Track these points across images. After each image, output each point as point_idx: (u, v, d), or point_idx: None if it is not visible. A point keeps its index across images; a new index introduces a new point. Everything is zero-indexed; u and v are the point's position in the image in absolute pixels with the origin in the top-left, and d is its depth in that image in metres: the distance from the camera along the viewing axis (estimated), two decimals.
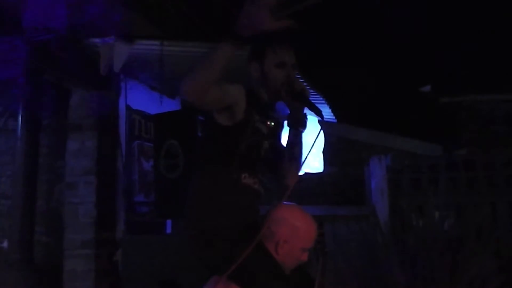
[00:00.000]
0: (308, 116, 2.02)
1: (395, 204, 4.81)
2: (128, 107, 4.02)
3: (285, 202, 1.91)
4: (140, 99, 4.18)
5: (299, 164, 2.02)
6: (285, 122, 2.05)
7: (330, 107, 4.41)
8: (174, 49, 3.46)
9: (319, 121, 4.70)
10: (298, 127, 1.98)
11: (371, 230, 4.30)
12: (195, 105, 1.69)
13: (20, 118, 3.37)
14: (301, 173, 2.12)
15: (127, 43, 3.34)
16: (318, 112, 1.85)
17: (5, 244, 3.54)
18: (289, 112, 2.00)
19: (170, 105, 4.42)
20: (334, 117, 4.80)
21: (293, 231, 1.88)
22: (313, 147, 1.87)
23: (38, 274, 3.53)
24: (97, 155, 3.72)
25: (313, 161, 4.65)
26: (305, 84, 1.97)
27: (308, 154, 1.96)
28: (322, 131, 1.88)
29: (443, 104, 6.63)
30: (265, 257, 1.84)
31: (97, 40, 3.41)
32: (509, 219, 4.88)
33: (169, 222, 4.45)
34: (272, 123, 2.00)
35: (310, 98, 1.92)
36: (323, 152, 4.86)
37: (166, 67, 3.63)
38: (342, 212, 4.81)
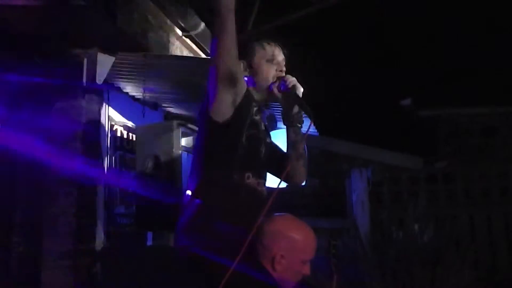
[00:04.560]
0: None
1: (376, 217, 4.86)
2: (110, 118, 4.01)
3: (277, 214, 1.78)
4: (123, 110, 4.17)
5: (306, 161, 1.95)
6: (281, 121, 1.97)
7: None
8: (156, 61, 3.48)
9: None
10: (294, 123, 1.91)
11: (352, 243, 4.33)
12: (223, 68, 1.67)
13: None
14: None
15: (110, 55, 3.35)
16: (307, 111, 1.77)
17: None
18: (282, 109, 1.93)
19: (153, 117, 4.42)
20: (316, 130, 4.84)
21: (290, 244, 1.72)
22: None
23: (14, 285, 3.47)
24: (78, 166, 3.69)
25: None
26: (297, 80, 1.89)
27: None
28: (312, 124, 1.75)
29: (422, 117, 6.74)
30: (261, 279, 1.68)
31: (80, 51, 3.41)
32: (486, 231, 4.97)
33: (150, 234, 4.42)
34: (265, 123, 1.94)
35: (301, 95, 1.85)
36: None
37: (149, 79, 3.65)
38: (323, 225, 4.84)
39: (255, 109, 1.84)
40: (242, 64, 1.88)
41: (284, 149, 2.02)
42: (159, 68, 3.58)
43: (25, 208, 3.77)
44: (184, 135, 3.75)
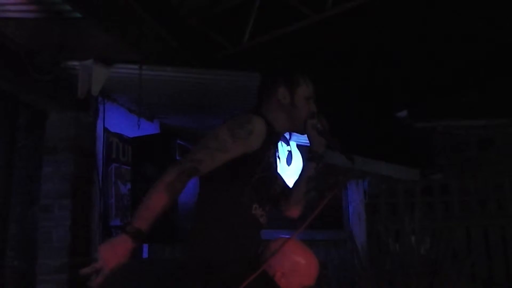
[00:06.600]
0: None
1: (372, 229, 4.85)
2: (105, 130, 4.00)
3: (283, 236, 1.84)
4: (118, 121, 4.17)
5: (312, 198, 2.01)
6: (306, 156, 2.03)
7: None
8: (152, 73, 3.48)
9: (297, 145, 4.74)
10: (320, 161, 1.96)
11: (349, 255, 4.32)
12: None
13: None
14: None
15: (106, 67, 3.35)
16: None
17: None
18: (311, 145, 1.97)
19: (148, 128, 4.41)
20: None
21: (293, 266, 1.78)
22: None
23: None
24: (73, 178, 3.68)
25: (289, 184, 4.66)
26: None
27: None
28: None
29: (419, 129, 6.76)
30: None
31: (75, 62, 3.41)
32: (483, 243, 4.96)
33: (145, 246, 4.40)
34: (279, 156, 1.98)
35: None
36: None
37: (145, 91, 3.64)
38: (320, 237, 4.83)
39: (272, 151, 1.87)
40: (282, 91, 1.88)
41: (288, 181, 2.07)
42: (155, 80, 3.58)
43: (20, 222, 3.75)
44: (180, 147, 3.74)
